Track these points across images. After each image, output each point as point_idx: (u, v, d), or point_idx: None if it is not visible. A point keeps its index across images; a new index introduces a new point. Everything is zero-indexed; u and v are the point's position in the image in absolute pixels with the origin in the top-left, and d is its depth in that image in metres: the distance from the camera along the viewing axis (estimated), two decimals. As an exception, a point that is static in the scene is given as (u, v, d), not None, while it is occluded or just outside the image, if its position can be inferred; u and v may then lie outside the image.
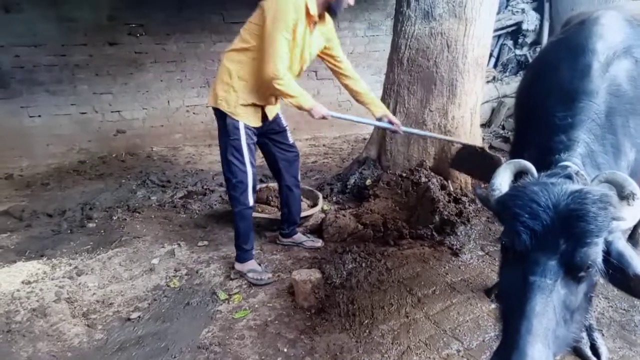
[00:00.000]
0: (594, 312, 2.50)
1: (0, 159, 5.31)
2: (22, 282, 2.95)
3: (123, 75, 5.79)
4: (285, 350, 2.35)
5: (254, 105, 2.81)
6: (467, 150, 3.62)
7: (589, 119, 1.67)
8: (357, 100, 3.18)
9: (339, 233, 3.51)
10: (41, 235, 3.69)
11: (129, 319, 2.60)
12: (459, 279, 2.97)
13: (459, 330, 2.46)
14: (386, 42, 4.60)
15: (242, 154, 2.82)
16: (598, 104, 1.71)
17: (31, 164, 5.43)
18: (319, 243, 3.44)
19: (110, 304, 2.76)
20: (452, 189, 3.88)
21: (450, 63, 3.86)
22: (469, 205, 3.80)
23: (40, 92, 5.43)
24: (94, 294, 2.85)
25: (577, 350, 2.19)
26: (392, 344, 2.37)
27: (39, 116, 5.49)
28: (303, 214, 3.51)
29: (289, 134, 3.15)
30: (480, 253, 3.28)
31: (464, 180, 4.10)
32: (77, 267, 3.14)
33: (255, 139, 2.92)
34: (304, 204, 3.83)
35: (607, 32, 1.91)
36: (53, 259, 3.26)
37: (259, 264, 3.11)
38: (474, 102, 4.12)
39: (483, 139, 4.82)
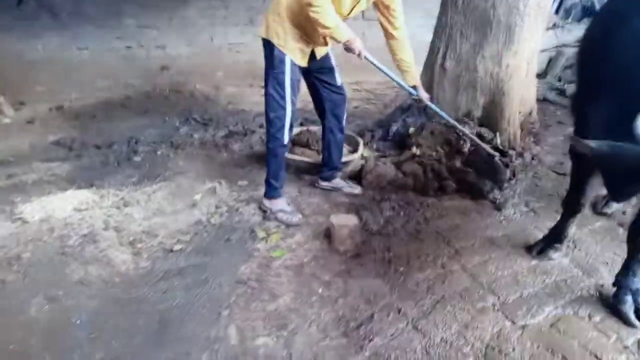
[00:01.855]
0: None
1: (52, 90, 5.48)
2: (74, 209, 3.10)
3: (168, 10, 5.73)
4: (320, 290, 2.40)
5: (304, 41, 2.74)
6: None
7: None
8: (395, 63, 3.05)
9: (378, 181, 3.47)
10: (90, 165, 3.84)
11: (172, 250, 2.71)
12: (500, 234, 2.90)
13: (496, 285, 2.42)
14: (440, -19, 4.31)
15: (283, 89, 2.78)
16: None
17: (80, 96, 5.55)
18: (357, 189, 3.41)
19: (154, 235, 2.87)
20: (499, 141, 3.72)
21: (509, 5, 3.56)
22: (516, 159, 3.66)
23: (87, 26, 5.48)
24: (139, 224, 2.97)
25: (621, 314, 2.12)
26: (426, 292, 2.37)
27: (87, 49, 5.57)
28: (343, 160, 3.47)
29: (337, 75, 3.06)
30: (525, 209, 3.18)
31: (512, 132, 3.91)
32: (123, 198, 3.27)
33: (299, 76, 2.87)
34: (344, 149, 3.78)
35: None
36: (102, 189, 3.40)
37: (288, 204, 3.12)
38: (531, 50, 3.84)
39: (537, 89, 4.53)
